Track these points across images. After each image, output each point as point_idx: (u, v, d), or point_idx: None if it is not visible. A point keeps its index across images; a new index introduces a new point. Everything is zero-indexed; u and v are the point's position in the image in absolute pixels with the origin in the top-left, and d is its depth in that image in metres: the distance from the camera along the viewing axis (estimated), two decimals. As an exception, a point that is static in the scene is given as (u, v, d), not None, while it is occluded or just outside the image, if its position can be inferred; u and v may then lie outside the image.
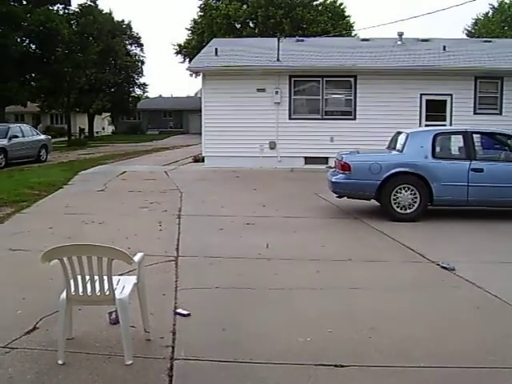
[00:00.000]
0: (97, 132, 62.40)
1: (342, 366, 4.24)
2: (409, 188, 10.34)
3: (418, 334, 4.90)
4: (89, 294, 4.32)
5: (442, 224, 10.13)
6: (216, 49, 21.86)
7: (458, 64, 20.19)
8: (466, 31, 57.05)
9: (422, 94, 19.89)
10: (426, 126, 18.42)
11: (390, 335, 4.86)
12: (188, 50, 52.93)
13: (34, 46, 38.96)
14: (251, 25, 51.03)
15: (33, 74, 40.25)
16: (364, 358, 4.40)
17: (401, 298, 5.92)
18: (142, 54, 62.42)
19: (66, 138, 46.29)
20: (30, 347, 4.55)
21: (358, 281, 6.51)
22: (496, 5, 53.92)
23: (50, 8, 38.94)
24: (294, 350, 4.55)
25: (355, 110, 20.23)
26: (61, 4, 41.28)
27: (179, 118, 70.63)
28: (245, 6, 50.58)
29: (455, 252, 7.90)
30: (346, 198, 11.14)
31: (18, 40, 36.53)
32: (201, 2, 54.31)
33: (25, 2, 37.87)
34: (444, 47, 21.59)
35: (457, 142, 11.13)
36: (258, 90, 20.24)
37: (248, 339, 4.76)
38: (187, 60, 52.56)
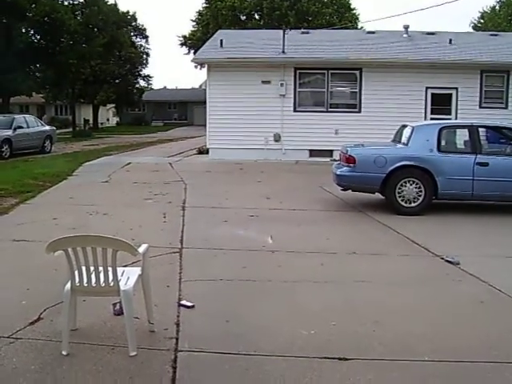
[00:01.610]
0: (101, 123, 62.45)
1: (346, 359, 4.23)
2: (414, 181, 10.31)
3: (421, 328, 4.89)
4: (93, 285, 4.32)
5: (447, 218, 10.11)
6: (221, 40, 21.82)
7: (464, 57, 20.11)
8: (472, 24, 56.78)
9: (427, 88, 19.82)
10: (432, 119, 18.39)
11: (393, 329, 4.85)
12: (193, 42, 52.76)
13: (38, 37, 38.98)
14: (256, 16, 50.83)
15: (37, 65, 40.28)
16: (368, 351, 4.39)
17: (405, 292, 5.91)
18: (146, 46, 62.47)
19: (71, 129, 46.36)
20: (35, 338, 4.56)
21: (362, 274, 6.50)
22: (503, -2, 53.63)
23: (55, -1, 38.95)
24: (298, 342, 4.55)
25: (360, 102, 20.18)
26: (66, -6, 41.28)
27: (184, 110, 70.62)
28: (250, -2, 50.41)
29: (460, 246, 7.89)
30: (350, 191, 11.12)
31: (23, 31, 36.55)
32: (206, -6, 54.18)
33: (30, -7, 37.83)
34: (450, 40, 21.53)
35: (462, 136, 11.08)
36: (263, 82, 20.19)
37: (252, 331, 4.75)
38: (192, 52, 52.42)
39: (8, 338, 4.52)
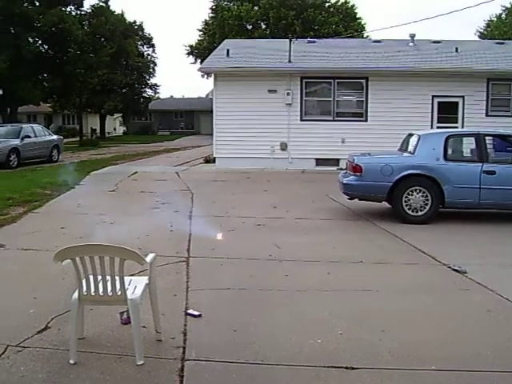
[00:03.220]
0: (108, 132, 62.63)
1: (353, 368, 4.23)
2: (420, 190, 10.30)
3: (428, 336, 4.88)
4: (100, 293, 4.33)
5: (454, 226, 10.08)
6: (228, 50, 21.92)
7: (471, 66, 20.11)
8: (478, 33, 56.78)
9: (433, 96, 19.84)
10: (438, 127, 18.38)
11: (400, 338, 4.84)
12: (199, 51, 53.00)
13: (46, 47, 39.21)
14: (263, 26, 51.01)
15: (45, 75, 40.50)
16: (375, 360, 4.39)
17: (412, 301, 5.90)
18: (153, 55, 62.69)
19: (78, 139, 46.53)
20: (42, 346, 4.58)
21: (368, 283, 6.50)
22: (509, 6, 53.57)
23: (63, 9, 39.17)
24: (305, 351, 4.55)
25: (367, 111, 20.20)
26: (73, 5, 41.51)
27: (190, 119, 70.78)
28: (256, 8, 50.57)
29: (467, 255, 7.86)
30: (357, 199, 11.12)
31: (31, 41, 36.76)
32: (212, 4, 54.47)
33: (37, 4, 38.09)
34: (456, 49, 21.54)
35: (469, 144, 11.10)
36: (270, 91, 20.26)
37: (259, 340, 4.76)
38: (199, 61, 52.62)
39: (16, 346, 4.54)
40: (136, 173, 19.00)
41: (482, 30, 56.43)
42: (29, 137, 23.53)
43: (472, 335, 4.96)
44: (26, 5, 36.68)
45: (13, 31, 35.29)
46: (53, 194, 13.53)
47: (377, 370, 4.23)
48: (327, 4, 51.52)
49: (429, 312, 5.54)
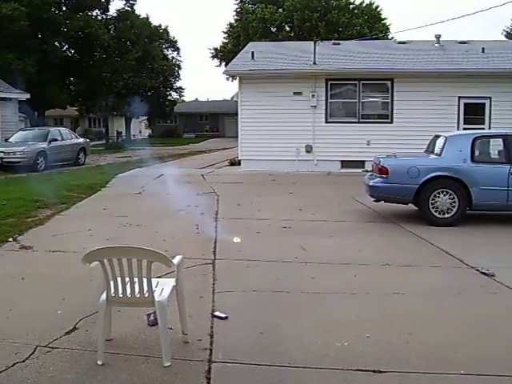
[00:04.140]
0: (133, 135, 63.06)
1: (381, 372, 4.20)
2: (447, 192, 10.20)
3: (456, 340, 4.84)
4: (128, 295, 4.37)
5: (481, 229, 9.96)
6: (252, 52, 21.93)
7: (498, 66, 19.84)
8: (505, 32, 56.08)
9: (460, 97, 19.61)
10: (465, 129, 18.18)
11: (428, 341, 4.80)
12: (224, 54, 53.16)
13: (73, 51, 39.75)
14: (287, 28, 51.01)
15: (72, 79, 41.03)
16: (402, 363, 4.35)
17: (439, 304, 5.84)
18: (178, 58, 63.04)
19: (104, 141, 46.98)
20: (70, 347, 4.63)
21: (395, 285, 6.45)
22: (537, 6, 52.88)
23: (89, 14, 39.66)
24: (332, 354, 4.53)
25: (392, 113, 20.06)
26: (99, 10, 42.00)
27: (215, 122, 70.98)
28: (280, 10, 50.59)
29: (495, 257, 7.75)
30: (383, 202, 11.05)
31: (58, 45, 37.28)
32: (237, 6, 54.62)
33: (64, 8, 38.60)
34: (483, 49, 21.28)
35: (496, 146, 10.93)
36: (295, 93, 20.24)
37: (285, 343, 4.75)
38: (223, 64, 52.80)
39: (45, 347, 4.60)
40: (162, 175, 19.06)
41: (508, 30, 55.71)
42: (56, 140, 23.82)
43: (500, 339, 4.89)
44: (53, 10, 37.20)
45: (40, 36, 35.83)
46: (79, 196, 13.66)
47: (404, 374, 4.20)
48: (351, 6, 51.34)
49: (456, 315, 5.49)
